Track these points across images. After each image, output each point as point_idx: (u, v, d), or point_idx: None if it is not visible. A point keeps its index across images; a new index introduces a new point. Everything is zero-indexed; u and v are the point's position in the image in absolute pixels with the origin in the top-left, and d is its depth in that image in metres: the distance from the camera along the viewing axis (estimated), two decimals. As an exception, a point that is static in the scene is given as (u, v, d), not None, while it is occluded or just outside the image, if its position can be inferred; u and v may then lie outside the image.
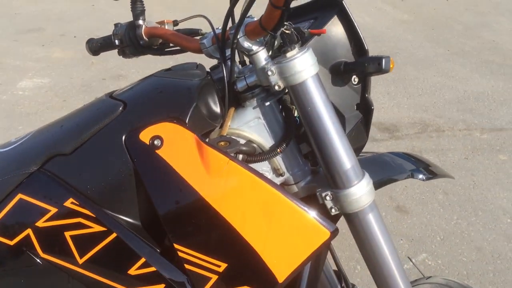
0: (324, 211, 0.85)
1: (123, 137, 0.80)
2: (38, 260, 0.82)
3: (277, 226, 0.77)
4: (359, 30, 0.92)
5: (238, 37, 0.83)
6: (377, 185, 1.03)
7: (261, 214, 0.77)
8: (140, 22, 1.04)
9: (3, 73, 3.44)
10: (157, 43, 1.07)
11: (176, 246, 0.78)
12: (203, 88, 0.86)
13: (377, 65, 0.87)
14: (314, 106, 0.83)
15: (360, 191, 0.86)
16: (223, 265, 0.78)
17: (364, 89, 0.96)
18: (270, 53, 0.86)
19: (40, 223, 0.81)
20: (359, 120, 0.97)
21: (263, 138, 0.91)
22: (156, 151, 0.78)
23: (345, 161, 0.85)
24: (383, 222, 0.93)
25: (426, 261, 2.09)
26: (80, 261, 0.81)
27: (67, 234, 0.81)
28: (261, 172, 0.91)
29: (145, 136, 0.79)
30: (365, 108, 0.97)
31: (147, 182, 0.78)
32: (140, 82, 0.90)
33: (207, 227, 0.78)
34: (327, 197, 0.88)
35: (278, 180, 0.94)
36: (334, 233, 0.80)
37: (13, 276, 0.85)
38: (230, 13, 0.84)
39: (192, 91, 0.83)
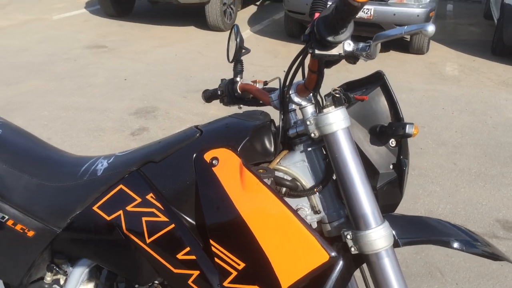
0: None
1: (194, 155, 1.08)
2: (122, 235, 1.12)
3: (287, 241, 0.96)
4: (396, 100, 1.09)
5: (291, 93, 1.07)
6: (410, 242, 1.13)
7: (276, 229, 0.96)
8: (238, 79, 1.34)
9: (168, 121, 4.14)
10: (248, 97, 1.36)
11: (211, 242, 1.01)
12: (260, 129, 1.11)
13: (401, 129, 1.03)
14: (341, 154, 1.01)
15: (377, 235, 0.99)
16: (242, 265, 0.98)
17: (400, 151, 1.10)
18: (316, 109, 1.08)
19: (129, 208, 1.11)
20: (392, 178, 1.11)
21: (306, 178, 1.11)
22: (213, 168, 1.04)
23: (365, 206, 1.00)
24: (399, 270, 1.03)
25: None
26: (148, 240, 1.08)
27: (143, 219, 1.09)
28: (300, 206, 1.11)
29: (208, 156, 1.06)
30: (399, 168, 1.10)
31: (201, 190, 1.04)
32: (220, 119, 1.19)
33: (235, 232, 0.99)
34: (348, 236, 1.03)
35: (315, 217, 1.11)
36: (334, 258, 0.94)
37: (102, 244, 1.16)
38: (290, 78, 1.08)
39: (248, 129, 1.09)
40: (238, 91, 1.33)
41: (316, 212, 1.10)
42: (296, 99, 1.08)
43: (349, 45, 0.92)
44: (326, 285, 1.05)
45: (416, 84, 5.32)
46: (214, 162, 1.05)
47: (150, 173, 1.13)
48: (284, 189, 1.11)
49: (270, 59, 5.95)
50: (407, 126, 1.02)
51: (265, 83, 1.35)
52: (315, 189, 1.08)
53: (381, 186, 1.10)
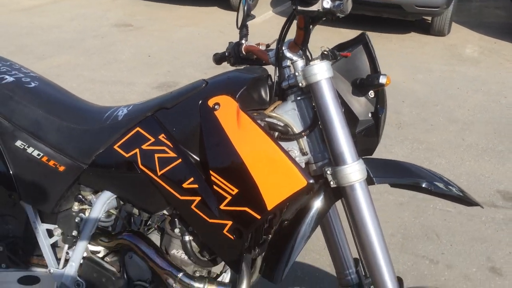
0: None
1: (200, 102, 1.27)
2: (138, 170, 1.32)
3: (272, 169, 1.15)
4: (375, 57, 1.25)
5: (284, 49, 1.25)
6: (383, 180, 1.30)
7: (264, 159, 1.15)
8: (243, 41, 1.52)
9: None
10: (252, 57, 1.54)
11: (211, 172, 1.21)
12: (257, 80, 1.29)
13: (376, 79, 1.19)
14: (323, 101, 1.18)
15: (351, 169, 1.17)
16: (236, 190, 1.18)
17: (377, 101, 1.27)
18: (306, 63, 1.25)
19: (144, 146, 1.32)
20: (370, 124, 1.27)
21: (296, 124, 1.29)
22: (214, 112, 1.23)
23: (342, 145, 1.18)
24: (371, 202, 1.21)
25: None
26: (159, 173, 1.29)
27: (156, 155, 1.29)
28: (290, 149, 1.29)
29: (211, 102, 1.25)
30: (376, 116, 1.27)
31: (204, 131, 1.24)
32: (223, 72, 1.37)
33: (231, 163, 1.19)
34: (328, 172, 1.21)
35: (303, 158, 1.30)
36: (311, 184, 1.13)
37: (121, 178, 1.37)
38: (283, 35, 1.26)
39: (246, 80, 1.27)
40: (243, 52, 1.51)
41: (304, 154, 1.28)
42: (288, 54, 1.26)
43: (327, 3, 1.09)
44: (310, 212, 1.24)
45: (434, 65, 5.39)
46: (216, 107, 1.24)
47: (162, 118, 1.33)
48: (276, 133, 1.29)
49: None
50: (381, 76, 1.19)
51: (268, 45, 1.53)
52: (303, 133, 1.26)
53: (360, 131, 1.28)
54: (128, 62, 5.11)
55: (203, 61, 5.19)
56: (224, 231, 1.20)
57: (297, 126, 1.28)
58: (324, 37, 5.51)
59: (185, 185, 1.25)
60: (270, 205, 1.15)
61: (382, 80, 1.19)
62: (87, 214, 1.46)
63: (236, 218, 1.19)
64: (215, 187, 1.21)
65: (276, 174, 1.15)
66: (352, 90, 1.28)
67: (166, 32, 6.20)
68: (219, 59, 1.65)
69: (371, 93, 1.27)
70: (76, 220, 1.46)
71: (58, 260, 1.51)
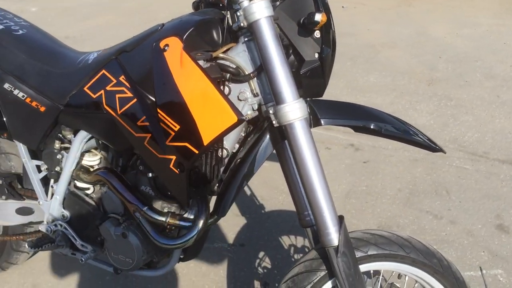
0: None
1: (153, 44, 1.32)
2: (103, 110, 1.40)
3: (208, 106, 1.19)
4: (318, -3, 1.23)
5: None
6: (331, 122, 1.30)
7: (201, 97, 1.19)
8: None
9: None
10: (219, 2, 1.56)
11: (158, 110, 1.27)
12: (207, 22, 1.31)
13: (312, 17, 1.18)
14: (263, 40, 1.18)
15: (291, 108, 1.17)
16: (178, 127, 1.23)
17: (322, 41, 1.26)
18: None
19: (108, 87, 1.39)
20: (316, 65, 1.27)
21: (246, 65, 1.30)
22: (164, 53, 1.28)
23: (282, 83, 1.18)
24: (312, 141, 1.21)
25: (498, 277, 2.01)
26: (119, 112, 1.36)
27: (117, 95, 1.37)
28: (242, 90, 1.32)
29: (162, 43, 1.29)
30: (321, 57, 1.26)
31: (154, 71, 1.29)
32: (181, 16, 1.41)
33: (174, 100, 1.24)
34: (270, 110, 1.23)
35: (255, 100, 1.32)
36: (241, 120, 1.16)
37: (91, 118, 1.46)
38: None
39: (195, 21, 1.30)
40: None
41: (255, 95, 1.31)
42: None
43: None
44: (257, 151, 1.29)
45: (482, 19, 5.05)
46: (165, 48, 1.28)
47: (124, 60, 1.39)
48: (228, 75, 1.32)
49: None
50: (316, 14, 1.17)
51: None
52: (251, 74, 1.28)
53: (305, 71, 1.27)
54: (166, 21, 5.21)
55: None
56: (170, 166, 1.27)
57: (247, 68, 1.30)
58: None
59: (139, 123, 1.32)
60: (206, 140, 1.20)
61: (317, 18, 1.17)
62: (68, 152, 1.58)
63: (179, 153, 1.25)
64: (161, 124, 1.27)
65: (211, 112, 1.19)
66: (298, 30, 1.26)
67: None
68: (196, 6, 1.68)
69: (317, 33, 1.26)
70: (58, 157, 1.59)
71: (47, 193, 1.66)
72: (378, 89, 3.68)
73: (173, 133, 1.25)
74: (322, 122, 1.27)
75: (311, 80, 1.29)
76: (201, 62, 1.27)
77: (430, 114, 3.27)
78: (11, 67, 1.56)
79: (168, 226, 1.46)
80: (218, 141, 1.22)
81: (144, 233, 1.47)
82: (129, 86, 1.35)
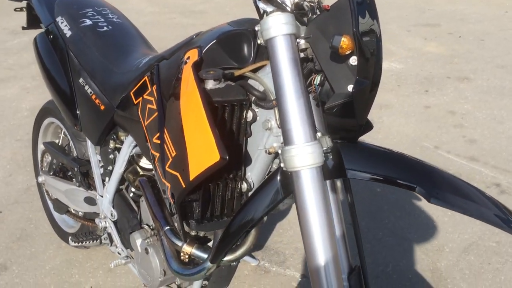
0: None
1: (182, 54, 1.19)
2: (138, 117, 1.33)
3: (198, 138, 1.00)
4: (355, 8, 0.91)
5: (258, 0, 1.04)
6: (360, 175, 0.98)
7: (195, 125, 1.01)
8: None
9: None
10: None
11: (165, 129, 1.14)
12: (233, 35, 1.11)
13: (331, 40, 0.89)
14: (276, 63, 0.95)
15: (297, 152, 0.90)
16: (174, 153, 1.08)
17: (358, 71, 0.94)
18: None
19: (145, 96, 1.30)
20: (347, 99, 0.95)
21: (272, 89, 1.08)
22: (184, 66, 1.14)
23: (293, 119, 0.92)
24: (322, 196, 0.92)
25: None
26: (146, 123, 1.27)
27: (148, 105, 1.28)
28: (268, 118, 1.11)
29: (186, 55, 1.15)
30: (357, 91, 0.95)
31: (173, 84, 1.16)
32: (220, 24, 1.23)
33: (175, 123, 1.09)
34: (279, 151, 0.98)
35: (279, 131, 1.08)
36: (223, 160, 0.94)
37: (133, 123, 1.40)
38: None
39: (221, 33, 1.12)
40: None
41: (278, 126, 1.08)
42: (261, 4, 1.03)
43: None
44: (261, 200, 1.05)
45: None
46: (187, 60, 1.14)
47: (161, 68, 1.30)
48: (253, 98, 1.11)
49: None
50: (335, 37, 0.87)
51: None
52: (274, 102, 1.05)
53: (330, 107, 0.98)
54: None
55: (414, 17, 4.67)
56: (168, 193, 1.14)
57: (273, 92, 1.07)
58: None
59: (154, 139, 1.22)
60: (192, 176, 1.02)
61: (335, 42, 0.87)
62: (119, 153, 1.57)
63: (172, 182, 1.10)
64: (164, 145, 1.14)
65: (200, 144, 1.00)
66: (331, 54, 0.97)
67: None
68: None
69: (353, 59, 0.94)
70: (111, 157, 1.59)
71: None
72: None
73: (170, 159, 1.11)
74: (348, 174, 0.97)
75: (339, 119, 0.99)
76: (211, 82, 1.09)
77: None
78: (86, 63, 1.61)
79: (182, 253, 1.33)
80: (201, 179, 1.02)
81: (165, 254, 1.37)
82: (156, 98, 1.25)
